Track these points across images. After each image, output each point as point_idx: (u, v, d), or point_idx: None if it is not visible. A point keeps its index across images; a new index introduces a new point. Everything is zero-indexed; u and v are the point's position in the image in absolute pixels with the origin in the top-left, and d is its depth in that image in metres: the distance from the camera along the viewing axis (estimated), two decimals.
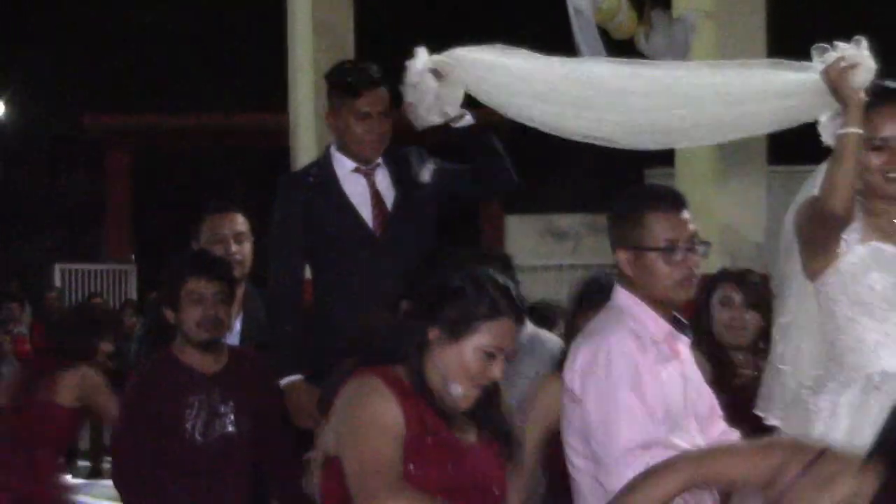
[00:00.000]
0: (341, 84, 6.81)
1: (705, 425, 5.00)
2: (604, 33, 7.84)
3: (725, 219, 10.10)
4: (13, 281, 21.81)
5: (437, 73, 5.73)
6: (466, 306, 4.10)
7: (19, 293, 19.97)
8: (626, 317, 4.88)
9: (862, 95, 4.72)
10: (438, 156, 6.94)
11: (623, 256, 4.92)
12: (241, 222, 7.08)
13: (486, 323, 4.08)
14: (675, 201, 4.98)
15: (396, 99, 6.19)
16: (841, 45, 4.78)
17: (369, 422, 4.04)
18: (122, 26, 29.94)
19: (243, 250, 6.99)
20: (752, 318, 6.10)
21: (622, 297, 4.93)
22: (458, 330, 4.06)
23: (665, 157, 10.76)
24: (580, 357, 4.86)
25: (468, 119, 6.19)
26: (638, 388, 4.76)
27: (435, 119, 5.90)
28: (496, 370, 4.19)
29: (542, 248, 21.87)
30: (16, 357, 18.07)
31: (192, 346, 6.18)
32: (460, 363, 4.07)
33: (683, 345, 5.02)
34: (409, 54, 5.77)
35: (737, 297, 5.94)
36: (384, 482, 4.06)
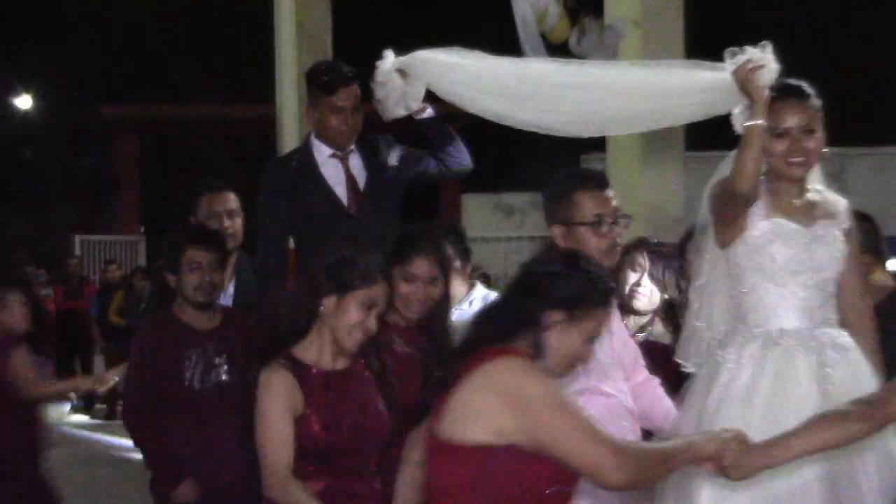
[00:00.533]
0: (319, 82, 6.79)
1: (630, 373, 5.09)
2: (543, 38, 7.82)
3: (649, 197, 10.10)
4: (37, 250, 21.74)
5: (402, 73, 5.74)
6: (587, 294, 3.85)
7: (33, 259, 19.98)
8: None
9: (766, 92, 4.71)
10: (403, 143, 6.93)
11: (557, 231, 5.03)
12: (232, 200, 7.03)
13: (598, 310, 3.87)
14: (599, 182, 5.17)
15: (368, 94, 6.16)
16: (749, 48, 4.77)
17: (556, 394, 3.72)
18: (131, 27, 29.81)
19: (235, 225, 6.94)
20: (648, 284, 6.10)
21: None
22: (577, 316, 3.80)
23: (598, 144, 10.77)
24: None
25: (429, 111, 6.24)
26: None
27: (401, 111, 5.92)
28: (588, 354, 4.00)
29: (493, 223, 21.94)
30: None
31: (190, 306, 6.21)
32: (573, 346, 3.84)
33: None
34: (380, 56, 5.77)
35: (632, 260, 5.93)
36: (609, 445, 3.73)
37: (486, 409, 3.60)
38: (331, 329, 4.35)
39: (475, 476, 3.59)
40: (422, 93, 5.84)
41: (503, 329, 3.77)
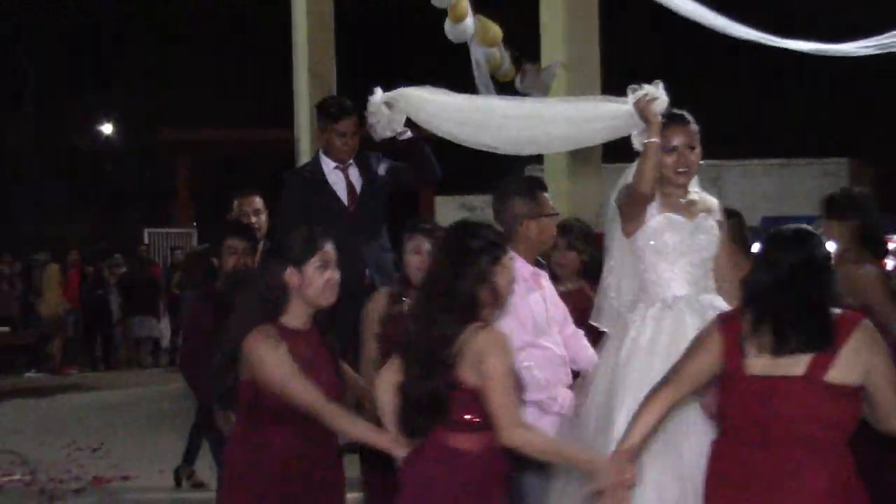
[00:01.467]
0: (328, 112, 6.82)
1: (561, 327, 5.06)
2: (493, 79, 7.79)
3: (575, 198, 10.10)
4: (115, 239, 21.72)
5: (388, 105, 5.73)
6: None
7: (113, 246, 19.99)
8: None
9: (659, 118, 4.73)
10: (390, 158, 6.95)
11: (503, 225, 4.93)
12: (258, 202, 7.07)
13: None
14: (540, 186, 5.23)
15: (363, 120, 6.17)
16: (646, 86, 4.80)
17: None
18: (184, 68, 29.71)
19: (260, 220, 6.97)
20: (572, 256, 6.06)
21: None
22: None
23: (538, 158, 10.76)
24: None
25: (408, 134, 6.18)
26: (512, 311, 4.69)
27: (387, 134, 5.91)
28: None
29: (458, 217, 21.70)
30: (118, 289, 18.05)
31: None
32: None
33: (544, 278, 5.13)
34: (371, 92, 5.79)
35: (562, 242, 5.88)
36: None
37: None
38: (303, 296, 4.18)
39: None
40: (402, 120, 5.83)
41: None
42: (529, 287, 4.94)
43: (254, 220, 6.92)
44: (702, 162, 4.87)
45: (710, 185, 5.17)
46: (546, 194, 5.15)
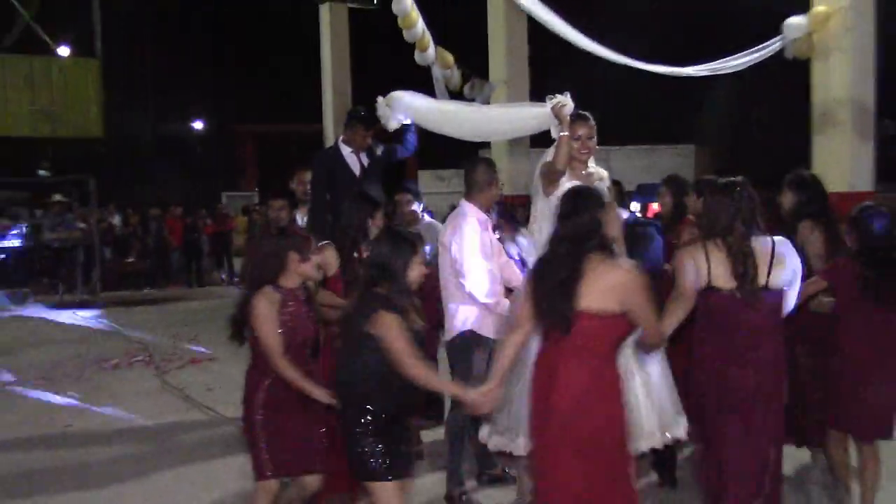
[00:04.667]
0: (353, 117, 6.67)
1: (497, 258, 4.96)
2: (448, 90, 7.71)
3: (511, 172, 10.09)
4: (202, 201, 21.50)
5: (388, 105, 5.62)
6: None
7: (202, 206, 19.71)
8: (469, 212, 4.85)
9: (568, 118, 4.66)
10: (387, 141, 6.83)
11: (469, 187, 4.91)
12: (308, 176, 6.76)
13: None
14: (493, 165, 5.03)
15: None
16: (558, 95, 4.75)
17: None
18: (249, 73, 29.08)
19: (307, 188, 6.70)
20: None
21: (466, 205, 4.88)
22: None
23: (486, 144, 10.69)
24: (449, 229, 4.84)
25: (408, 121, 5.90)
26: (475, 240, 4.71)
27: (394, 124, 5.78)
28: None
29: (434, 184, 21.63)
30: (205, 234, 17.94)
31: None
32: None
33: (491, 223, 5.01)
34: (381, 93, 5.73)
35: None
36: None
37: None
38: (297, 272, 3.92)
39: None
40: (401, 113, 5.70)
41: None
42: (485, 227, 4.86)
43: (301, 189, 6.69)
44: (597, 147, 4.81)
45: (602, 162, 5.10)
46: (496, 169, 5.03)
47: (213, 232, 17.90)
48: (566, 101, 4.71)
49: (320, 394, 3.72)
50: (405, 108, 5.62)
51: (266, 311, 3.82)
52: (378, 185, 6.79)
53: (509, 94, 9.91)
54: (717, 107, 21.82)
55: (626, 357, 4.05)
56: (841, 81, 7.83)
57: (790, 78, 10.35)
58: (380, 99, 5.71)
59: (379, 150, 6.72)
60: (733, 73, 7.93)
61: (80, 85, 14.06)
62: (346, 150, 6.76)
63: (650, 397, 4.37)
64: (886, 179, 12.17)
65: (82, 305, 13.63)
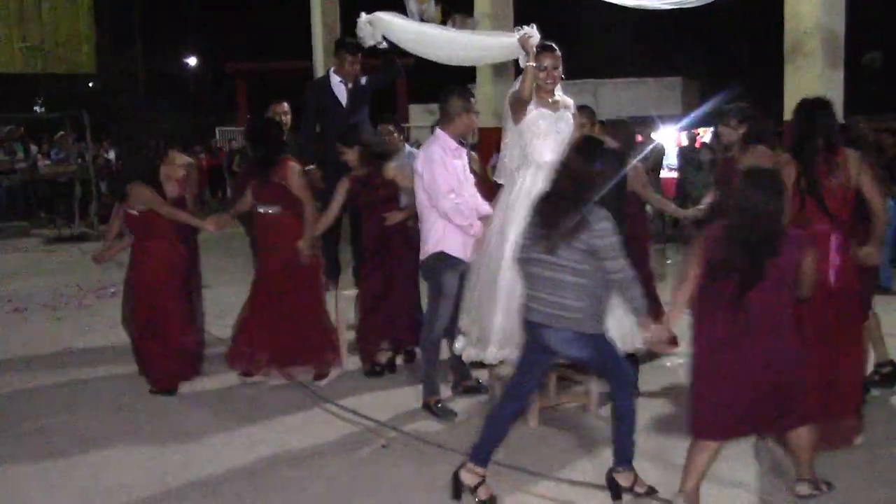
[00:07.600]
0: (342, 46, 6.81)
1: (466, 186, 5.04)
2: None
3: (496, 105, 10.13)
4: (196, 134, 21.46)
5: (370, 24, 5.72)
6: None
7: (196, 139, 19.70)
8: (441, 140, 4.92)
9: (534, 49, 4.75)
10: (369, 74, 6.93)
11: (444, 116, 4.97)
12: (285, 107, 6.94)
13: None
14: (470, 93, 5.04)
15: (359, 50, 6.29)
16: (525, 27, 4.83)
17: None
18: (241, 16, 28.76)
19: (286, 119, 6.86)
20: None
21: (438, 133, 4.97)
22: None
23: (473, 78, 10.73)
24: (422, 155, 4.94)
25: (384, 45, 5.91)
26: (444, 166, 4.81)
27: (371, 43, 5.82)
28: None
29: (422, 118, 21.43)
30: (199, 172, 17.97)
31: None
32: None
33: (463, 152, 5.07)
34: (359, 16, 5.78)
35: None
36: None
37: None
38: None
39: None
40: (380, 34, 5.74)
41: None
42: (455, 155, 4.93)
43: (283, 119, 6.79)
44: (587, 80, 4.89)
45: (591, 96, 5.19)
46: (473, 99, 5.02)
47: (208, 165, 17.98)
48: (533, 33, 4.79)
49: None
50: (385, 27, 5.64)
51: None
52: (365, 114, 6.96)
53: (494, 28, 9.89)
54: (701, 41, 21.63)
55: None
56: (811, 10, 7.87)
57: (768, 11, 10.35)
58: (362, 16, 5.72)
59: (364, 80, 6.86)
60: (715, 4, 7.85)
61: (71, 21, 13.98)
62: (335, 80, 6.90)
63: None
64: (877, 110, 12.19)
65: (80, 238, 13.71)
